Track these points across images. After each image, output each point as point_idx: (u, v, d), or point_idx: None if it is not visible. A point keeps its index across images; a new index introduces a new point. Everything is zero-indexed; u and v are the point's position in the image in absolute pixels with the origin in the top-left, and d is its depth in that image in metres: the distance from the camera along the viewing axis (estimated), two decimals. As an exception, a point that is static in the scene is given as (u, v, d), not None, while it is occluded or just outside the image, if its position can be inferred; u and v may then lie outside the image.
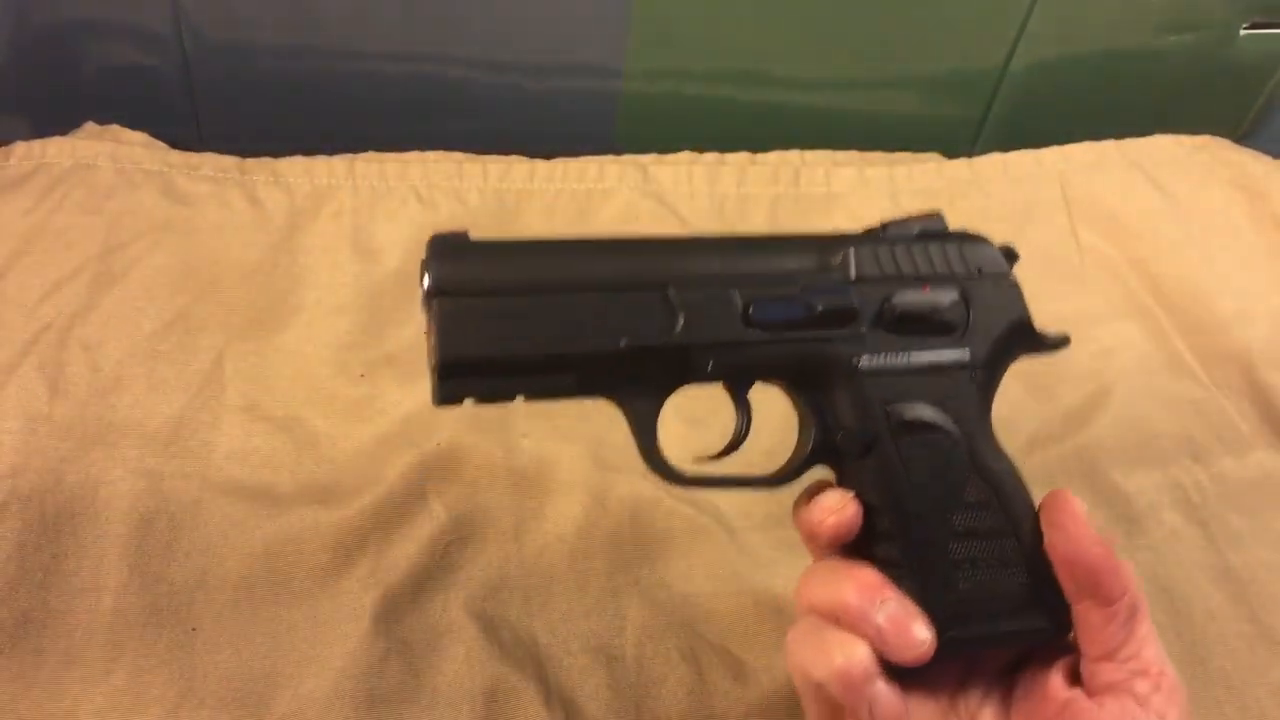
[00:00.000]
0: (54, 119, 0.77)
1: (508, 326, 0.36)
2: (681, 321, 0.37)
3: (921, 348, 0.38)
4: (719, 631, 0.56)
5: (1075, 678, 0.39)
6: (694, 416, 0.66)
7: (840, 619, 0.37)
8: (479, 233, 0.78)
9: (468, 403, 0.36)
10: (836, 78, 0.86)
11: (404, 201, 0.75)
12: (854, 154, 0.85)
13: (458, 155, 0.79)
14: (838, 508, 0.38)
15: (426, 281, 0.36)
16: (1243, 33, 0.86)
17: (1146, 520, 0.63)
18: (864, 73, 0.86)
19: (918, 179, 0.83)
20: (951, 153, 0.87)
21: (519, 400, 0.36)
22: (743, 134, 0.85)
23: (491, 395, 0.36)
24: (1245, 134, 0.93)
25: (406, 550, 0.57)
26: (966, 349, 0.38)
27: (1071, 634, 0.38)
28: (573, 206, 0.77)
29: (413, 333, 0.68)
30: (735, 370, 0.39)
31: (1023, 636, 0.39)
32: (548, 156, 0.80)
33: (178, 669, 0.52)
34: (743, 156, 0.83)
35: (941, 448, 0.38)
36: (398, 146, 0.79)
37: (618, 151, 0.82)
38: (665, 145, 0.83)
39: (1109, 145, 0.85)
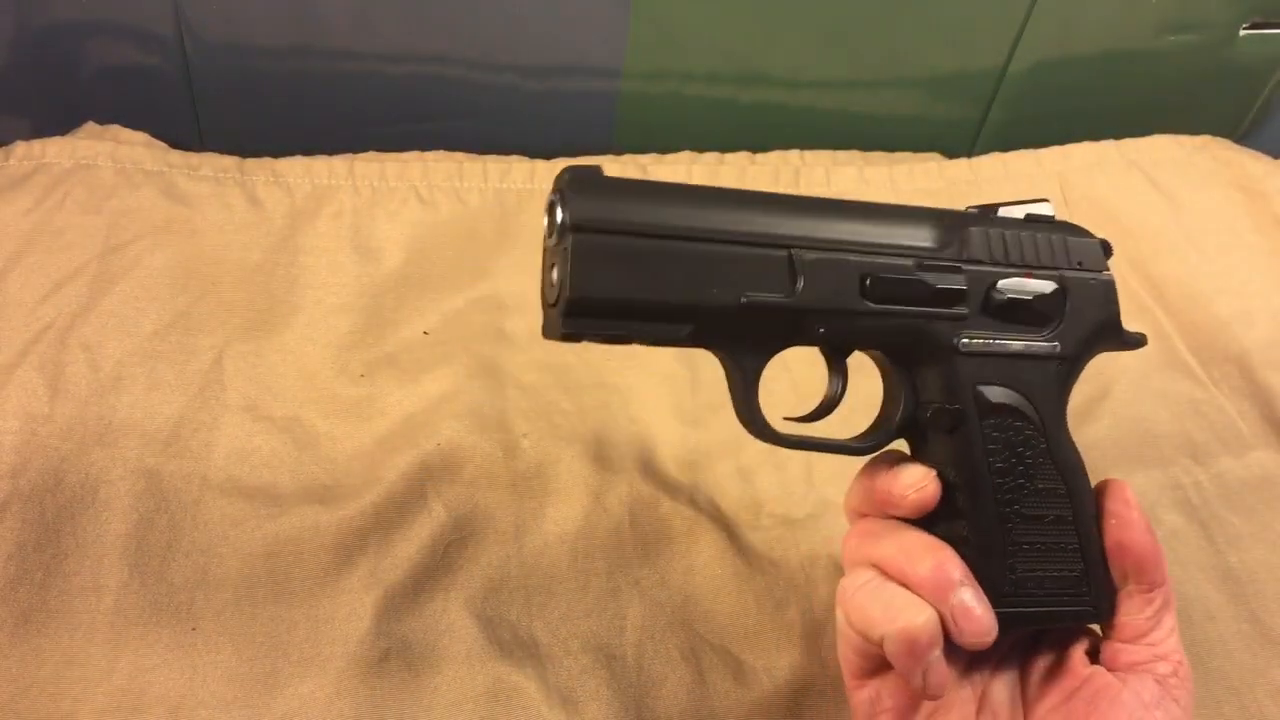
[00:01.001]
0: (54, 119, 0.77)
1: (638, 270, 0.35)
2: (801, 284, 0.37)
3: (1017, 335, 0.39)
4: (719, 631, 0.56)
5: (1094, 656, 0.40)
6: (695, 418, 0.66)
7: (909, 587, 0.37)
8: (481, 231, 0.77)
9: (584, 342, 0.36)
10: (836, 78, 0.86)
11: (404, 201, 0.75)
12: (854, 154, 0.85)
13: (458, 155, 0.79)
14: (922, 484, 0.38)
15: (563, 215, 0.35)
16: (1243, 33, 0.86)
17: (1146, 520, 0.63)
18: (864, 73, 0.86)
19: (918, 179, 0.83)
20: (951, 153, 0.87)
21: (633, 345, 0.37)
22: (743, 134, 0.85)
23: (609, 337, 0.36)
24: (1245, 134, 0.93)
25: (406, 550, 0.57)
26: (1058, 342, 0.39)
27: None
28: (573, 206, 0.77)
29: (413, 333, 0.68)
30: (843, 338, 0.39)
31: (1068, 617, 0.40)
32: (548, 157, 0.80)
33: (178, 669, 0.52)
34: (742, 156, 0.83)
35: (1022, 433, 0.38)
36: (398, 146, 0.79)
37: (617, 152, 0.82)
38: (665, 145, 0.83)
39: (1109, 145, 0.85)
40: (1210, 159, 0.85)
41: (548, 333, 0.37)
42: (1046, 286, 0.39)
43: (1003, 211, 0.41)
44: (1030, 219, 0.40)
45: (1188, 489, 0.65)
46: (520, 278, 0.72)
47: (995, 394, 0.38)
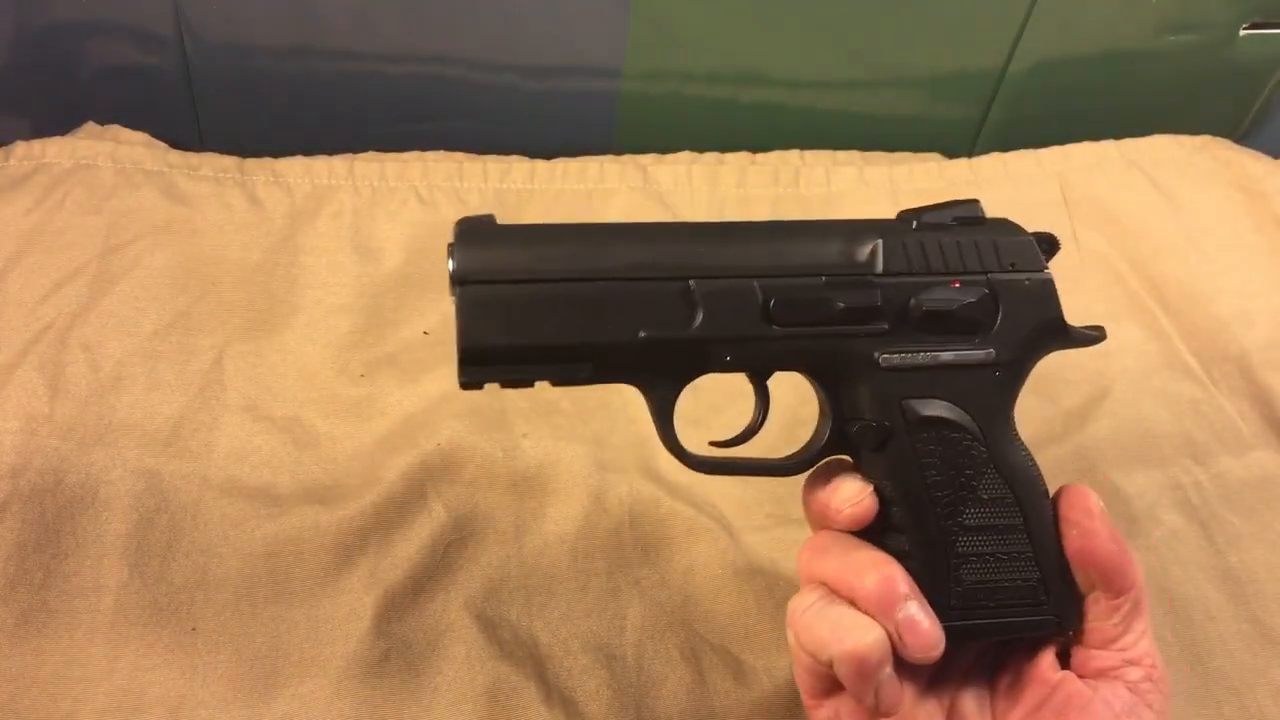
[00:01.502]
0: (54, 119, 0.77)
1: (527, 316, 0.36)
2: (701, 316, 0.37)
3: (945, 346, 0.37)
4: (719, 631, 0.56)
5: (1063, 661, 0.40)
6: (695, 417, 0.66)
7: (857, 604, 0.37)
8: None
9: (490, 387, 0.37)
10: (837, 78, 0.86)
11: (404, 201, 0.75)
12: (854, 154, 0.85)
13: (458, 155, 0.79)
14: (856, 499, 0.38)
15: (451, 267, 0.36)
16: (1243, 33, 0.86)
17: (1146, 520, 0.63)
18: (864, 73, 0.86)
19: (918, 179, 0.83)
20: (951, 153, 0.87)
21: (540, 385, 0.37)
22: (743, 134, 0.85)
23: (512, 381, 0.37)
24: (1245, 134, 0.93)
25: (406, 550, 0.57)
26: (991, 349, 0.38)
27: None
28: (573, 207, 0.77)
29: (413, 333, 0.68)
30: (754, 362, 0.38)
31: (1027, 627, 0.39)
32: (548, 156, 0.80)
33: (178, 669, 0.52)
34: (742, 157, 0.83)
35: (959, 444, 0.37)
36: (398, 146, 0.79)
37: (618, 151, 0.82)
38: (665, 145, 0.83)
39: (1109, 145, 0.85)
40: (1210, 159, 0.85)
41: (458, 381, 0.37)
42: (973, 294, 0.37)
43: (927, 217, 0.39)
44: (958, 222, 0.39)
45: (1188, 489, 0.65)
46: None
47: (925, 407, 0.37)
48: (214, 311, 0.67)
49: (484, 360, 0.36)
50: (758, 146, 0.84)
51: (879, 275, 0.37)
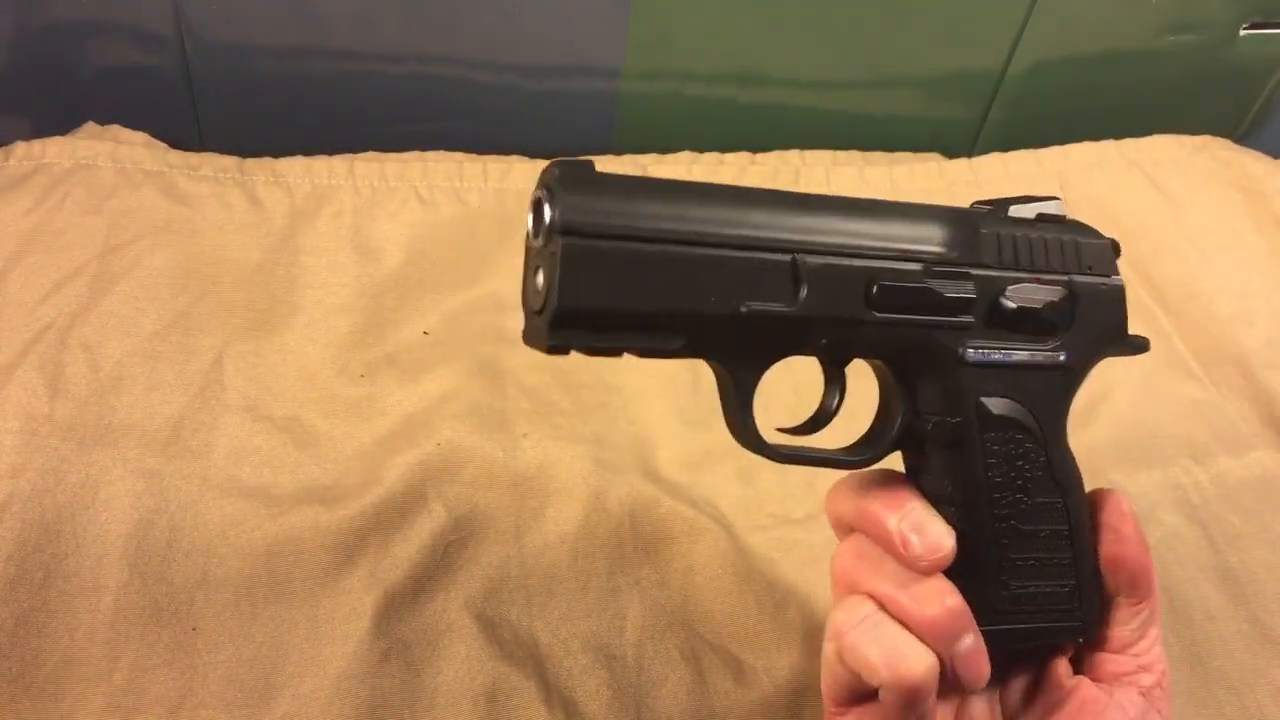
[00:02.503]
0: (54, 119, 0.77)
1: (631, 277, 0.32)
2: (805, 293, 0.34)
3: (1023, 344, 0.36)
4: (719, 631, 0.56)
5: (1076, 666, 0.40)
6: (695, 419, 0.66)
7: (910, 627, 0.35)
8: (481, 231, 0.77)
9: (573, 353, 0.33)
10: (836, 78, 0.86)
11: (404, 201, 0.75)
12: (854, 154, 0.85)
13: (458, 155, 0.79)
14: (939, 548, 0.35)
15: (551, 215, 0.32)
16: (1243, 33, 0.86)
17: (1146, 520, 0.63)
18: (864, 73, 0.86)
19: (918, 179, 0.83)
20: (951, 153, 0.87)
21: (625, 356, 0.34)
22: (743, 134, 0.85)
23: (599, 350, 0.33)
24: (1245, 134, 0.93)
25: (406, 550, 0.57)
26: (1063, 352, 0.37)
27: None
28: (573, 206, 0.77)
29: (413, 333, 0.68)
30: (845, 348, 0.36)
31: (1055, 634, 0.38)
32: (548, 157, 0.80)
33: (178, 669, 0.52)
34: (743, 156, 0.83)
35: (1022, 446, 0.36)
36: (398, 146, 0.79)
37: (618, 152, 0.82)
38: (665, 145, 0.83)
39: (1109, 145, 0.85)
40: (1210, 159, 0.85)
41: (532, 340, 0.33)
42: (1056, 293, 0.36)
43: (1013, 210, 0.38)
44: (1041, 219, 0.38)
45: (1188, 489, 0.65)
46: (520, 277, 0.72)
47: (997, 406, 0.36)
48: (214, 311, 0.67)
49: (576, 323, 0.32)
50: (758, 146, 0.84)
51: (974, 266, 0.36)
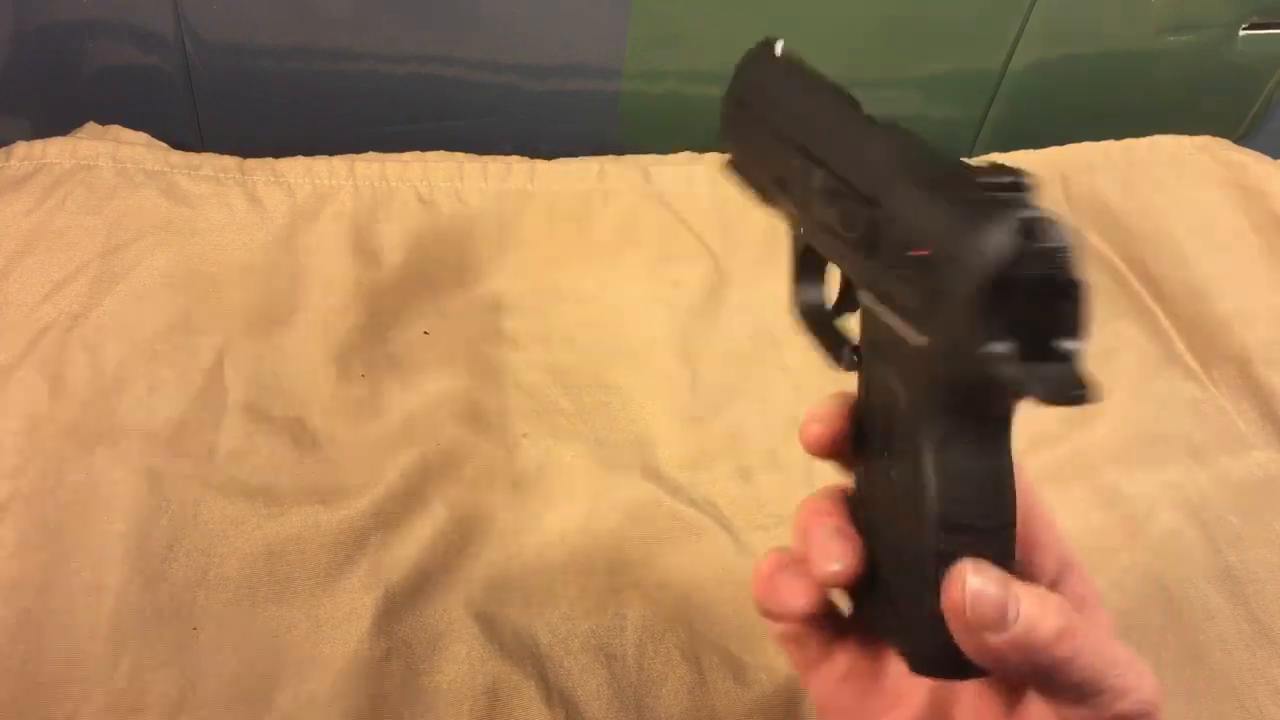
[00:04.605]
0: (54, 119, 0.77)
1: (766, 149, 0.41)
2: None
3: (899, 312, 0.33)
4: (719, 631, 0.56)
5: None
6: (695, 418, 0.66)
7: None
8: (481, 231, 0.77)
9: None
10: (836, 78, 0.86)
11: (404, 202, 0.75)
12: (854, 154, 0.85)
13: (458, 155, 0.79)
14: (836, 559, 0.33)
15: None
16: (1243, 33, 0.86)
17: (1146, 520, 0.63)
18: (864, 73, 0.86)
19: (918, 179, 0.83)
20: (952, 153, 0.87)
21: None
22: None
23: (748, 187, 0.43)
24: (1245, 134, 0.93)
25: (406, 550, 0.57)
26: (926, 337, 0.32)
27: None
28: (573, 207, 0.77)
29: (413, 333, 0.68)
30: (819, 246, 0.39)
31: (881, 632, 0.35)
32: (548, 157, 0.80)
33: (179, 669, 0.52)
34: (743, 156, 0.83)
35: (892, 413, 0.34)
36: (398, 146, 0.79)
37: (618, 152, 0.82)
38: (665, 145, 0.83)
39: (1109, 145, 0.85)
40: (1210, 159, 0.85)
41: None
42: (922, 270, 0.32)
43: (978, 173, 0.33)
44: (950, 179, 0.33)
45: (1188, 489, 0.65)
46: (520, 278, 0.73)
47: (876, 363, 0.35)
48: (215, 312, 0.67)
49: (739, 168, 0.43)
50: (758, 146, 0.84)
51: (884, 209, 0.34)
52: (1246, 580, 0.61)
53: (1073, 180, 0.83)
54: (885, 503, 0.34)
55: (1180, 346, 0.73)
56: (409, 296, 0.70)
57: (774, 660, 0.55)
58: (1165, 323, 0.75)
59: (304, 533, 0.57)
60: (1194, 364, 0.73)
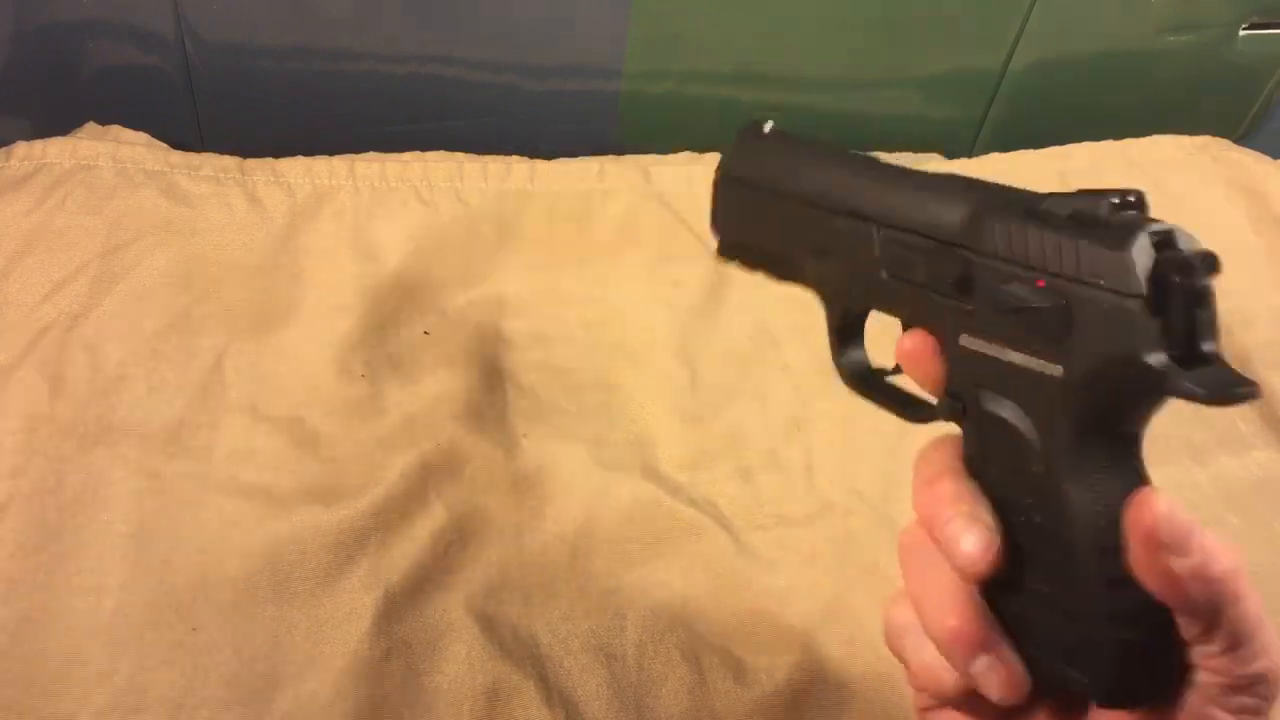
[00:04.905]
0: (54, 119, 0.77)
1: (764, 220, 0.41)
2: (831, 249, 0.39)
3: (1019, 346, 0.33)
4: (719, 631, 0.56)
5: None
6: (695, 418, 0.66)
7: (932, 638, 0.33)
8: (481, 231, 0.77)
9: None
10: (836, 78, 0.86)
11: (404, 202, 0.75)
12: (854, 154, 0.85)
13: (458, 155, 0.79)
14: (980, 551, 0.33)
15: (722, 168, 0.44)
16: (1243, 33, 0.86)
17: (1146, 520, 0.63)
18: (864, 73, 0.86)
19: (918, 179, 0.83)
20: (951, 153, 0.87)
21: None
22: (743, 134, 0.85)
23: (751, 266, 0.43)
24: (1245, 134, 0.93)
25: (406, 550, 0.57)
26: (1060, 365, 0.33)
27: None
28: (573, 207, 0.77)
29: (413, 333, 0.68)
30: (864, 300, 0.39)
31: (1067, 681, 0.34)
32: (548, 157, 0.80)
33: (179, 669, 0.52)
34: (743, 156, 0.83)
35: (1019, 451, 0.34)
36: (398, 146, 0.79)
37: (618, 151, 0.82)
38: (665, 145, 0.83)
39: (1109, 145, 0.85)
40: (1210, 159, 0.85)
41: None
42: (1046, 298, 0.33)
43: (1051, 203, 0.34)
44: (1073, 217, 0.33)
45: (1188, 489, 0.65)
46: (520, 278, 0.73)
47: (990, 400, 0.34)
48: (215, 312, 0.67)
49: (732, 250, 0.44)
50: (758, 146, 0.84)
51: (976, 251, 0.34)
52: (1246, 580, 0.61)
53: (1073, 180, 0.83)
54: (1030, 546, 0.34)
55: (1180, 346, 0.73)
56: (409, 296, 0.70)
57: (774, 660, 0.55)
58: (1165, 323, 0.75)
59: (304, 533, 0.57)
60: (1194, 364, 0.73)
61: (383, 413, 0.64)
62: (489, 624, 0.55)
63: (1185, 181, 0.83)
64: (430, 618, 0.55)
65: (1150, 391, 0.31)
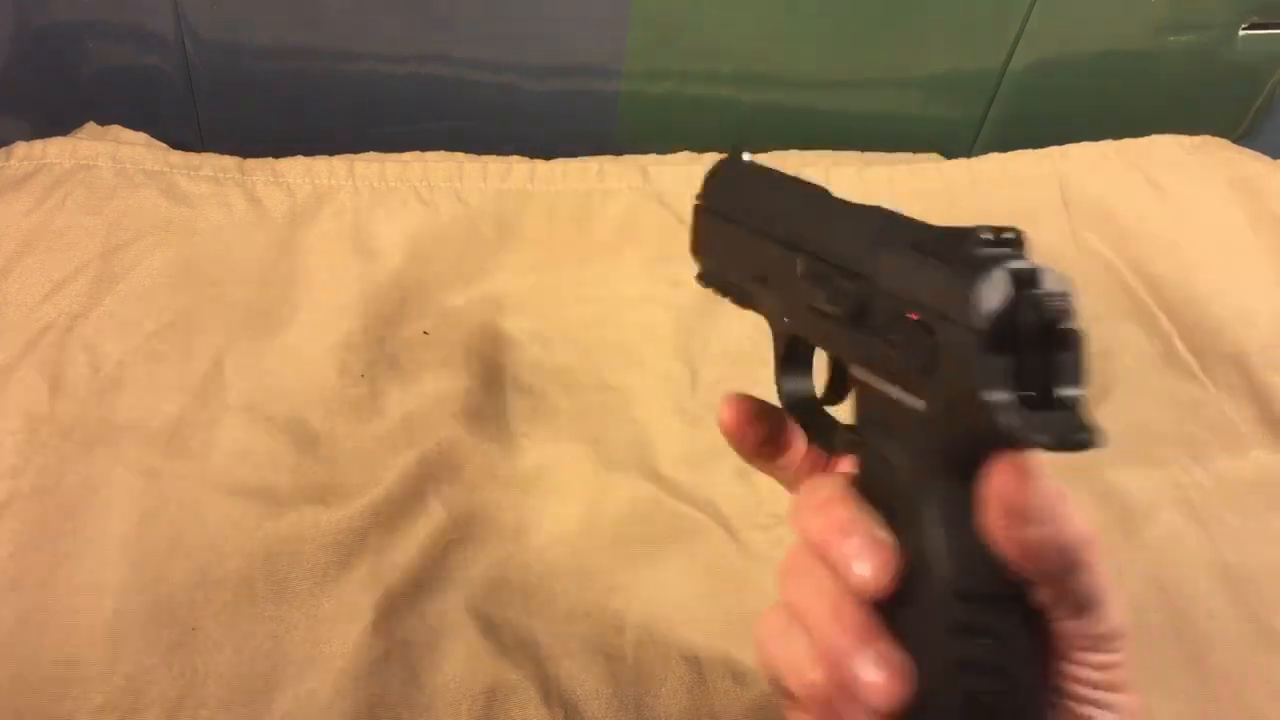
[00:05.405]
0: (54, 119, 0.77)
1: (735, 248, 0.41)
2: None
3: (896, 379, 0.33)
4: (719, 631, 0.56)
5: None
6: (695, 418, 0.66)
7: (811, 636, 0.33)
8: (481, 231, 0.77)
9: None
10: (836, 78, 0.86)
11: (404, 201, 0.75)
12: (854, 154, 0.85)
13: (458, 155, 0.79)
14: (870, 559, 0.32)
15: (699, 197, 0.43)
16: (1243, 33, 0.86)
17: (1146, 520, 0.63)
18: (864, 73, 0.86)
19: (917, 179, 0.83)
20: (951, 153, 0.87)
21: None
22: (742, 134, 0.85)
23: (723, 293, 0.43)
24: (1245, 134, 0.93)
25: (406, 550, 0.57)
26: (923, 400, 0.32)
27: None
28: (573, 207, 0.77)
29: (413, 333, 0.68)
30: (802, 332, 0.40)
31: None
32: (548, 156, 0.80)
33: (178, 669, 0.52)
34: (742, 157, 0.83)
35: (893, 487, 0.33)
36: (398, 146, 0.79)
37: (618, 151, 0.82)
38: (665, 145, 0.83)
39: (1109, 145, 0.85)
40: (1210, 159, 0.85)
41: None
42: (916, 333, 0.31)
43: (950, 236, 0.32)
44: (938, 242, 0.32)
45: (1188, 489, 0.65)
46: (520, 278, 0.73)
47: (878, 433, 0.34)
48: (214, 311, 0.67)
49: (710, 278, 0.43)
50: (757, 146, 0.83)
51: (869, 281, 0.33)
52: (1246, 580, 0.61)
53: (1073, 180, 0.83)
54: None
55: (1180, 347, 0.73)
56: (409, 296, 0.70)
57: (774, 660, 0.55)
58: (1165, 323, 0.75)
59: (303, 533, 0.57)
60: (1194, 364, 0.73)
61: (382, 413, 0.64)
62: (488, 624, 0.55)
63: (1185, 181, 0.83)
64: (429, 618, 0.55)
65: (993, 431, 0.29)
